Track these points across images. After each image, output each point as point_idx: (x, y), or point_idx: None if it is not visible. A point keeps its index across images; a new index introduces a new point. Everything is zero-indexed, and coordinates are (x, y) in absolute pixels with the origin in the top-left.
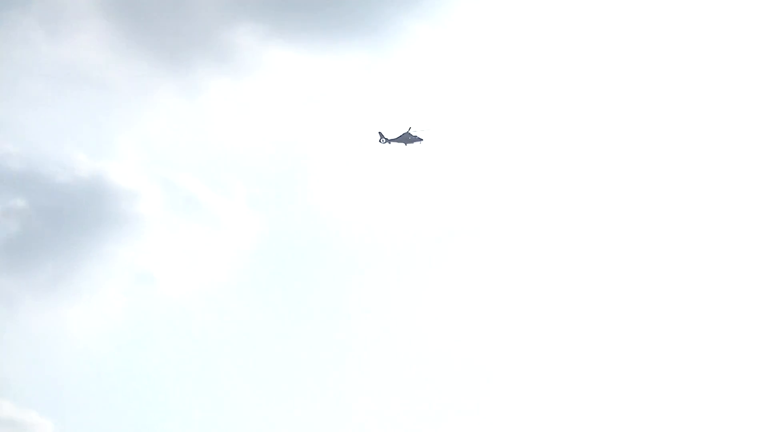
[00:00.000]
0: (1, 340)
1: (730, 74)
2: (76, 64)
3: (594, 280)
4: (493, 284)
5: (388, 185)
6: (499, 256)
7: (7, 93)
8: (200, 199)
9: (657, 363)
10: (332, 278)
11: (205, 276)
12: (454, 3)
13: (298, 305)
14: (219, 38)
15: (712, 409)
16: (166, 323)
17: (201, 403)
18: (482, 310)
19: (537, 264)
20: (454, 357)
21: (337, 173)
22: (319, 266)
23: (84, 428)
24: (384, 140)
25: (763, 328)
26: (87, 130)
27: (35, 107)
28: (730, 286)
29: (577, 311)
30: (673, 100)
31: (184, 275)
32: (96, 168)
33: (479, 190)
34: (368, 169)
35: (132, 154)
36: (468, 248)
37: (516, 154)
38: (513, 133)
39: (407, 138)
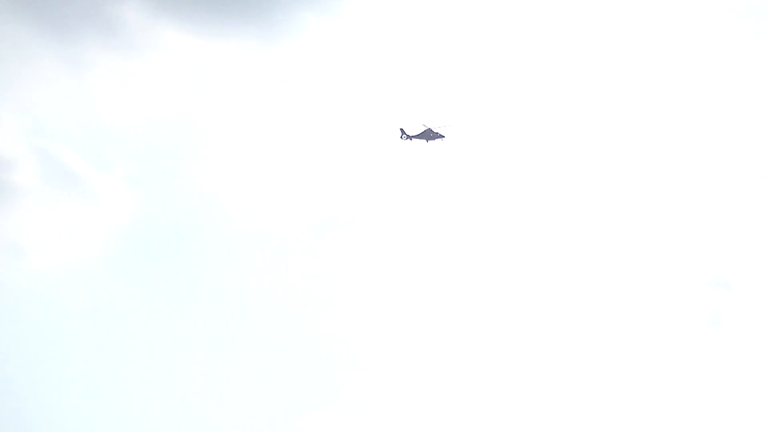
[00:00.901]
0: None
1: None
2: None
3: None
4: (369, 269)
5: (270, 170)
6: (374, 242)
7: None
8: (78, 174)
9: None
10: (207, 260)
11: (76, 252)
12: None
13: (170, 285)
14: (107, 12)
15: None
16: (33, 298)
17: (66, 381)
18: (356, 295)
19: (420, 250)
20: (327, 339)
21: (219, 157)
22: (194, 247)
23: None
24: (405, 137)
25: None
26: None
27: None
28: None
29: (476, 299)
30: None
31: (54, 250)
32: None
33: (359, 178)
34: (250, 153)
35: (10, 123)
36: (347, 235)
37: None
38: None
39: (429, 135)
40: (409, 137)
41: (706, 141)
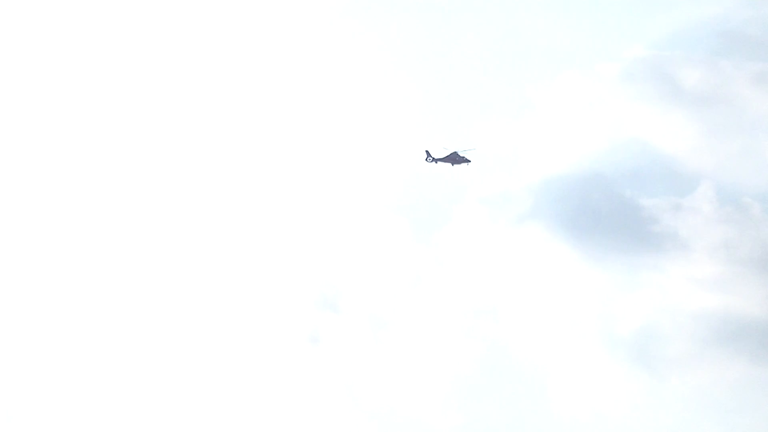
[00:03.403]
0: None
1: None
2: None
3: None
4: None
5: None
6: None
7: None
8: None
9: None
10: None
11: None
12: None
13: None
14: None
15: None
16: None
17: None
18: None
19: None
20: None
21: None
22: None
23: None
24: (431, 159)
25: None
26: None
27: None
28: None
29: None
30: None
31: None
32: None
33: None
34: None
35: None
36: None
37: None
38: None
39: (455, 158)
40: (435, 160)
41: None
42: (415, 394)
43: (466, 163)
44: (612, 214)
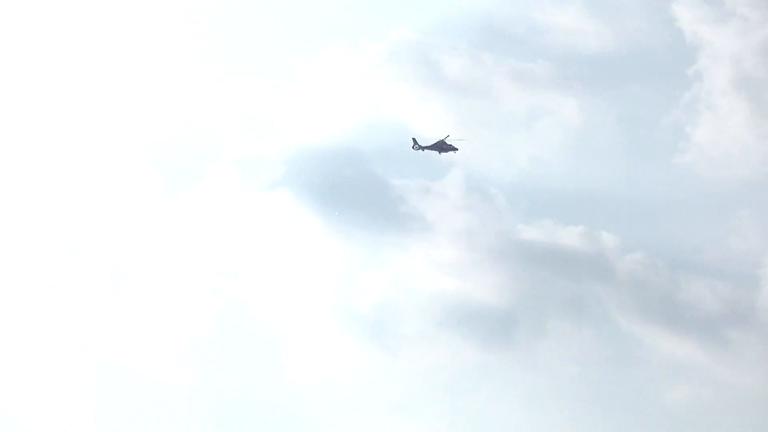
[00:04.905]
0: None
1: None
2: None
3: None
4: None
5: None
6: None
7: None
8: None
9: None
10: None
11: None
12: None
13: None
14: None
15: None
16: None
17: None
18: None
19: None
20: None
21: None
22: None
23: None
24: (417, 147)
25: None
26: None
27: None
28: None
29: None
30: None
31: None
32: None
33: None
34: None
35: None
36: None
37: None
38: None
39: (442, 146)
40: (422, 148)
41: None
42: (149, 349)
43: (453, 151)
44: (362, 191)
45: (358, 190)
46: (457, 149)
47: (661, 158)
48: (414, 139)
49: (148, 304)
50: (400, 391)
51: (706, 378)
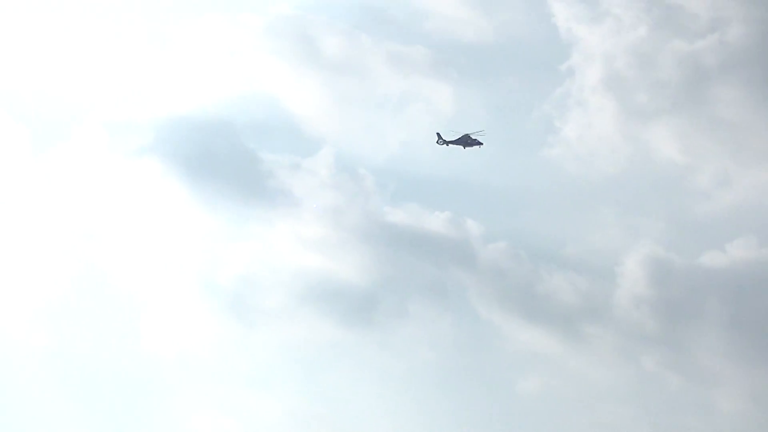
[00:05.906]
0: None
1: None
2: None
3: None
4: None
5: None
6: None
7: None
8: None
9: None
10: None
11: None
12: None
13: None
14: None
15: None
16: None
17: None
18: None
19: None
20: None
21: None
22: None
23: None
24: (442, 141)
25: None
26: None
27: None
28: None
29: None
30: None
31: None
32: None
33: None
34: None
35: None
36: None
37: None
38: None
39: (466, 141)
40: (446, 142)
41: None
42: (1, 310)
43: (478, 146)
44: (231, 163)
45: (228, 162)
46: (482, 143)
47: (529, 150)
48: (438, 134)
49: (1, 260)
50: (257, 365)
51: (558, 369)
